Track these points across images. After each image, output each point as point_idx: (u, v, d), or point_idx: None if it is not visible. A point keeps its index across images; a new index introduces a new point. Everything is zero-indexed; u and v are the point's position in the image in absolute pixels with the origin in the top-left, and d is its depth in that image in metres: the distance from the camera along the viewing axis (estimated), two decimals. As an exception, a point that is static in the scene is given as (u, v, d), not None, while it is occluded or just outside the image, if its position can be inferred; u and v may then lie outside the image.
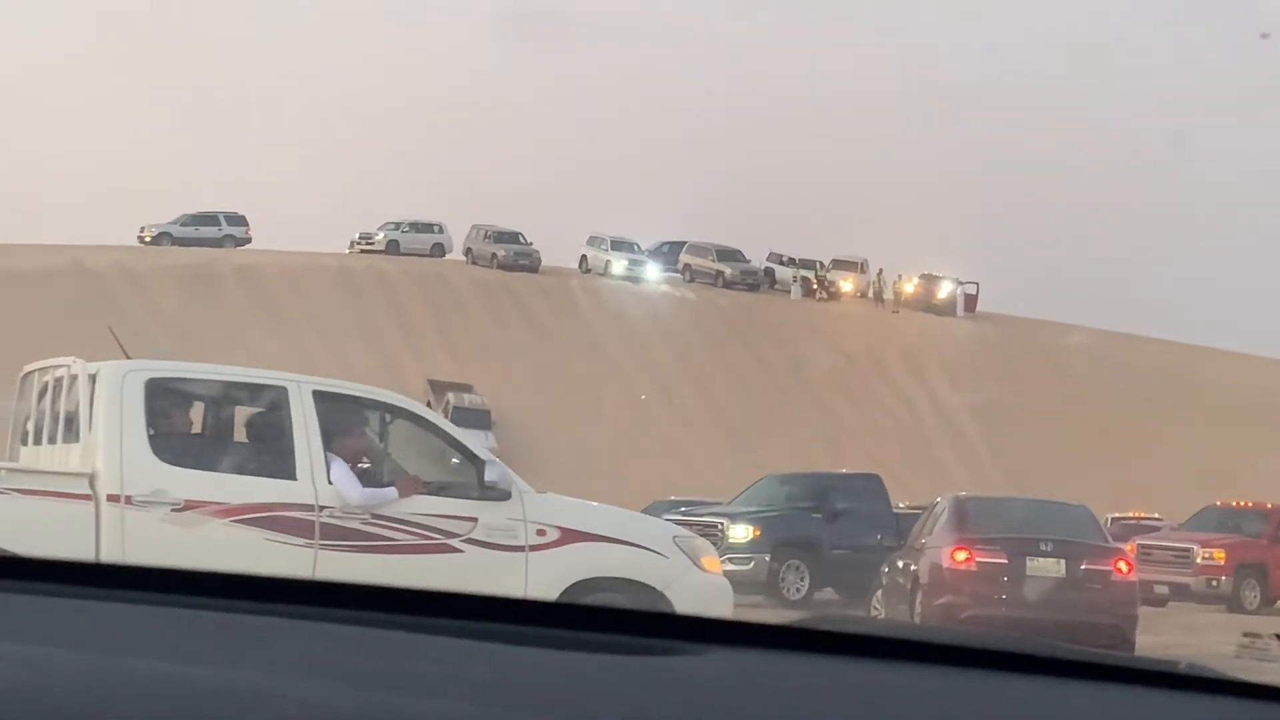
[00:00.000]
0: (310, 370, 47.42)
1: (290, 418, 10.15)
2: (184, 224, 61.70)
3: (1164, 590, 24.20)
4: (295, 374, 10.82)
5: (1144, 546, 24.88)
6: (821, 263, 65.67)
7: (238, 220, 62.17)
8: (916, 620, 15.39)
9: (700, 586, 10.50)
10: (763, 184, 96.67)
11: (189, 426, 10.68)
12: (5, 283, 50.13)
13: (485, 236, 62.27)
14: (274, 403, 10.35)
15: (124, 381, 9.92)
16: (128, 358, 10.55)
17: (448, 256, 62.58)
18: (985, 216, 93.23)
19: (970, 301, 65.58)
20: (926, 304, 64.65)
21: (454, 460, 10.60)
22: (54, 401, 10.49)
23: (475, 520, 10.11)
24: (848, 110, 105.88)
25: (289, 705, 1.21)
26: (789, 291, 64.32)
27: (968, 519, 17.63)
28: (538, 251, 62.42)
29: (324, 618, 1.65)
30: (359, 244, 63.83)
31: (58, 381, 10.44)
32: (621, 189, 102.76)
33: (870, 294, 65.10)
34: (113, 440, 9.75)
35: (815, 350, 58.57)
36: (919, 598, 16.07)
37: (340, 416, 10.50)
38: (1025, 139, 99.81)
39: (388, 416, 11.10)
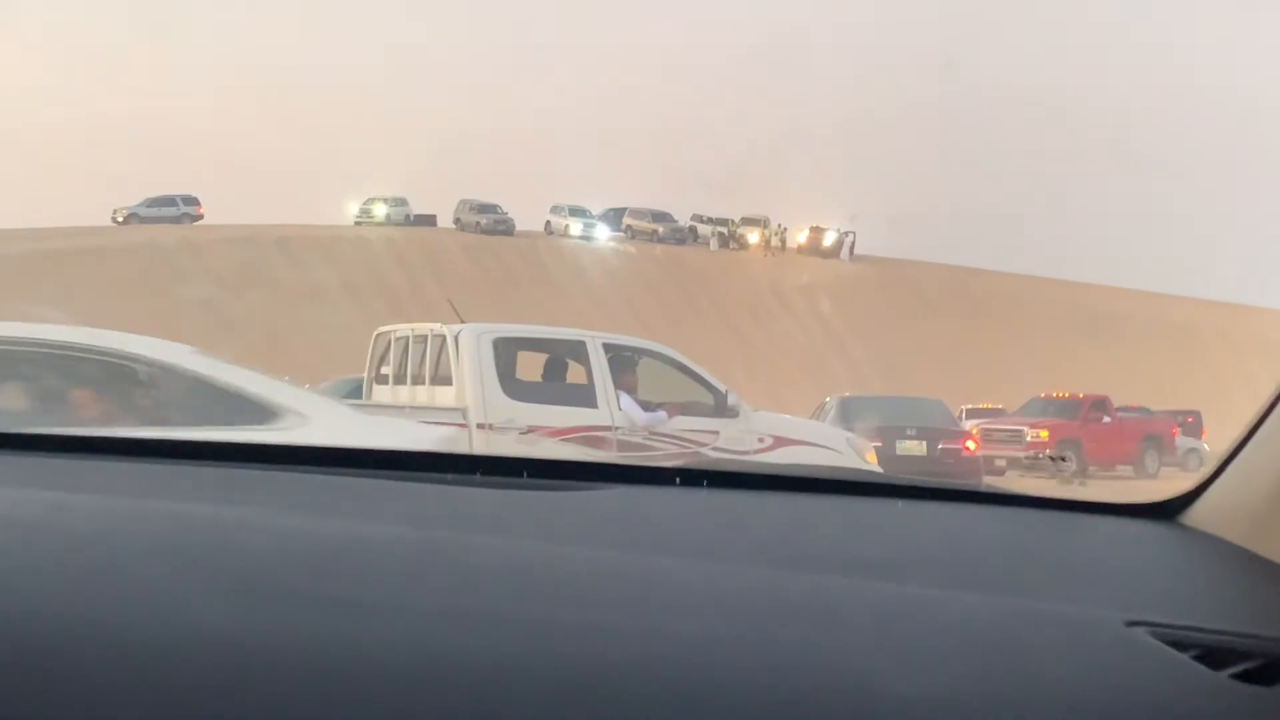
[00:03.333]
0: (351, 323, 46.48)
1: (590, 362, 11.14)
2: (148, 205, 59.01)
3: (1002, 463, 24.36)
4: (590, 331, 11.71)
5: (985, 429, 25.06)
6: (732, 220, 65.50)
7: (191, 201, 59.69)
8: None
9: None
10: (686, 156, 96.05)
11: (518, 371, 11.41)
12: (91, 258, 49.38)
13: (470, 208, 61.54)
14: (576, 352, 11.40)
15: (479, 340, 10.92)
16: (462, 322, 11.31)
17: (439, 225, 62.04)
18: (861, 174, 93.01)
19: (849, 248, 65.54)
20: (815, 250, 64.58)
21: (699, 389, 11.39)
22: (415, 355, 11.60)
23: (718, 433, 11.00)
24: (746, 85, 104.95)
25: (268, 535, 1.23)
26: (709, 244, 64.10)
27: (850, 414, 18.03)
28: (512, 219, 61.99)
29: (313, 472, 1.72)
30: (359, 218, 62.08)
31: (419, 339, 11.62)
32: (565, 165, 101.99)
33: (772, 244, 64.96)
34: (475, 383, 10.71)
35: (731, 290, 58.47)
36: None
37: (621, 361, 11.38)
38: (887, 106, 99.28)
39: (653, 360, 11.76)
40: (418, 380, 11.50)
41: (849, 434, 12.43)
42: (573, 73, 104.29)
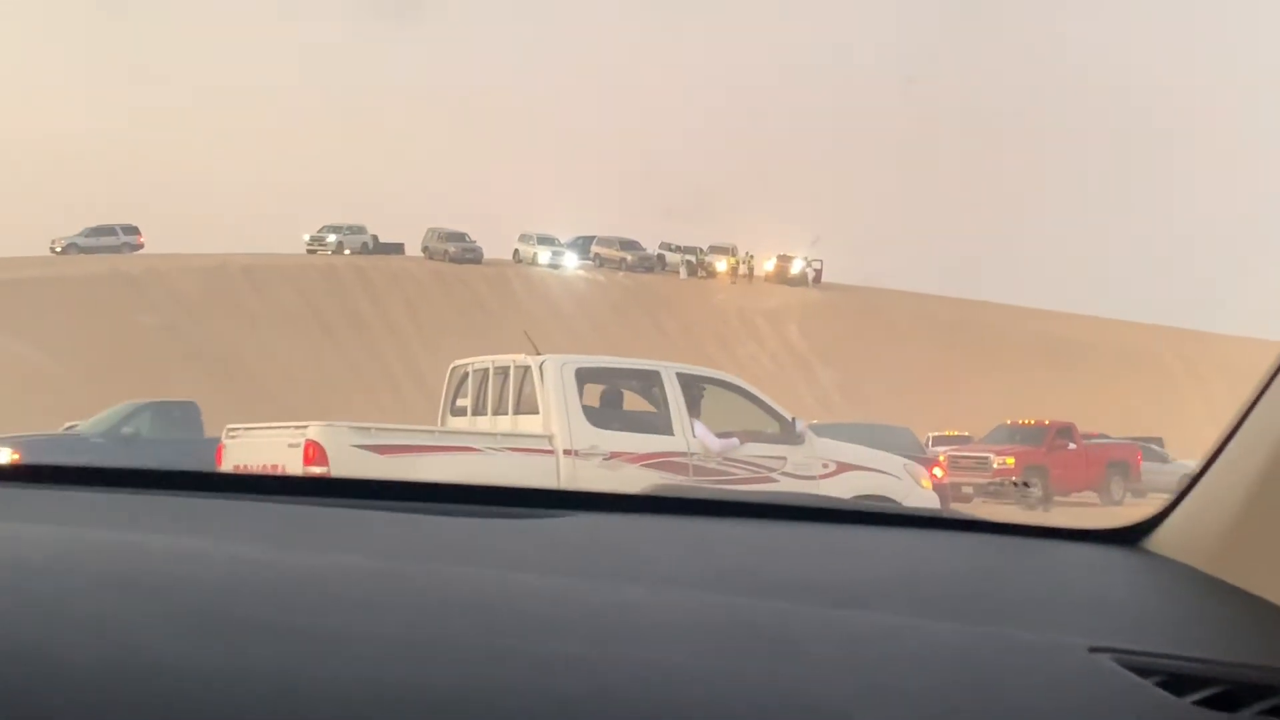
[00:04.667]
0: (319, 350, 46.34)
1: (665, 392, 11.49)
2: (87, 235, 57.77)
3: (969, 490, 24.43)
4: (662, 361, 12.16)
5: (953, 456, 25.12)
6: (700, 248, 65.78)
7: (131, 230, 58.61)
8: None
9: (922, 498, 11.59)
10: (654, 185, 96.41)
11: (599, 401, 11.78)
12: (55, 287, 49.09)
13: (438, 236, 61.55)
14: (652, 382, 11.74)
15: (561, 370, 11.27)
16: (538, 353, 11.62)
17: (408, 253, 61.95)
18: (827, 202, 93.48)
19: (816, 275, 65.87)
20: (782, 278, 64.90)
21: (766, 417, 11.71)
22: (495, 386, 11.95)
23: (785, 459, 11.35)
24: (714, 113, 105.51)
25: (225, 564, 1.20)
26: (678, 272, 64.30)
27: None
28: (480, 247, 62.02)
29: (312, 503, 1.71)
30: (310, 246, 61.29)
31: (499, 370, 11.95)
32: (534, 193, 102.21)
33: (740, 272, 65.23)
34: (561, 411, 11.07)
35: (699, 317, 58.63)
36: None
37: (694, 389, 11.76)
38: (853, 135, 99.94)
39: (722, 389, 12.16)
40: (499, 410, 11.85)
41: (906, 460, 12.72)
42: (542, 101, 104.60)
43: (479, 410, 12.08)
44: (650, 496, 1.88)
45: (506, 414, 11.69)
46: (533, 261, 62.07)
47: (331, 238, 61.61)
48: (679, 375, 11.68)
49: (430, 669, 0.98)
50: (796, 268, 65.29)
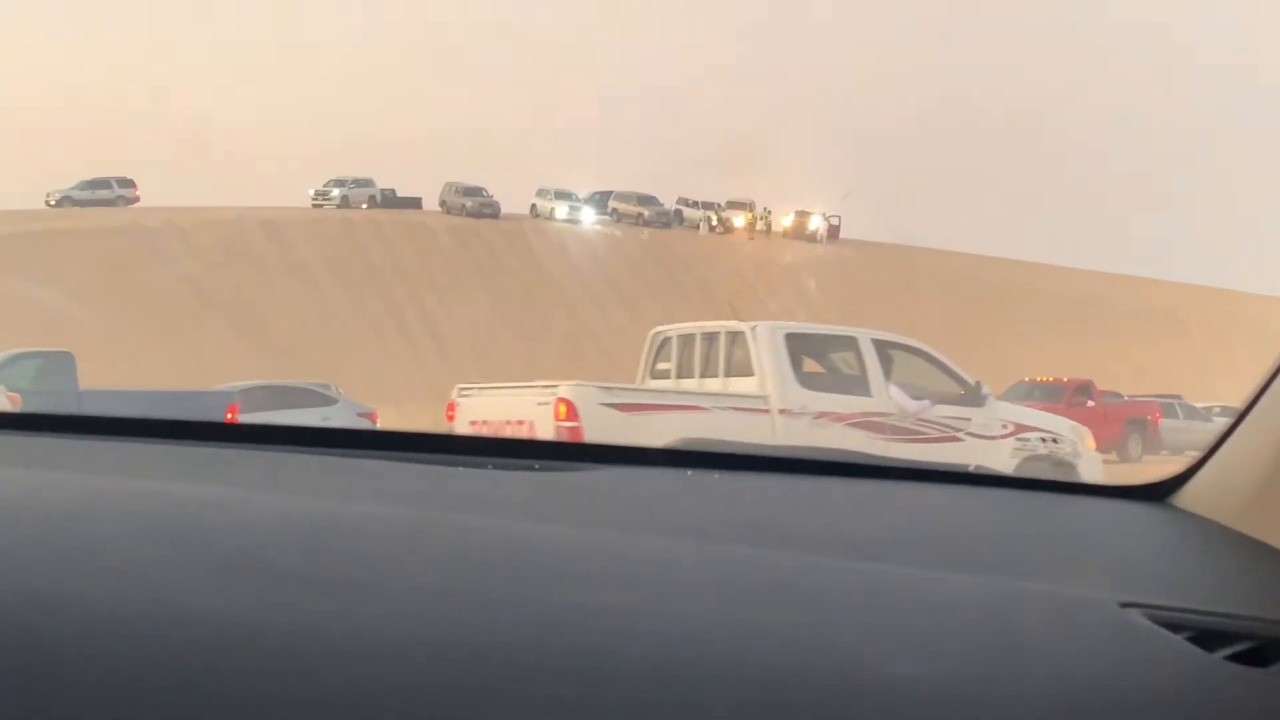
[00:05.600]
0: (334, 302, 46.47)
1: (862, 356, 12.10)
2: (82, 188, 56.93)
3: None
4: (859, 328, 12.76)
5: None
6: (718, 204, 65.59)
7: (126, 183, 57.69)
8: None
9: (1088, 459, 12.34)
10: (673, 140, 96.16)
11: (805, 364, 12.37)
12: (80, 240, 49.20)
13: (455, 191, 61.33)
14: (851, 346, 12.36)
15: (774, 335, 12.00)
16: (737, 318, 12.68)
17: (426, 208, 61.81)
18: (847, 157, 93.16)
19: (833, 230, 65.58)
20: (800, 234, 64.71)
21: (950, 380, 12.29)
22: (703, 350, 12.65)
23: (970, 419, 11.90)
24: (734, 67, 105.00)
25: (254, 513, 1.21)
26: (698, 229, 64.17)
27: None
28: (498, 202, 61.88)
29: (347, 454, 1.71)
30: (315, 200, 60.55)
31: (707, 335, 12.72)
32: (551, 148, 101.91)
33: (758, 228, 65.05)
34: (775, 374, 11.74)
35: (716, 272, 58.53)
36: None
37: (886, 354, 12.35)
38: (874, 89, 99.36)
39: (910, 354, 12.70)
40: (707, 373, 12.51)
41: (1073, 423, 13.18)
42: (559, 55, 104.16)
43: (684, 373, 12.77)
44: (675, 450, 1.89)
45: (716, 376, 12.39)
46: (550, 216, 61.90)
47: (335, 191, 61.00)
48: (874, 341, 12.33)
49: (457, 617, 0.99)
50: (814, 224, 65.07)
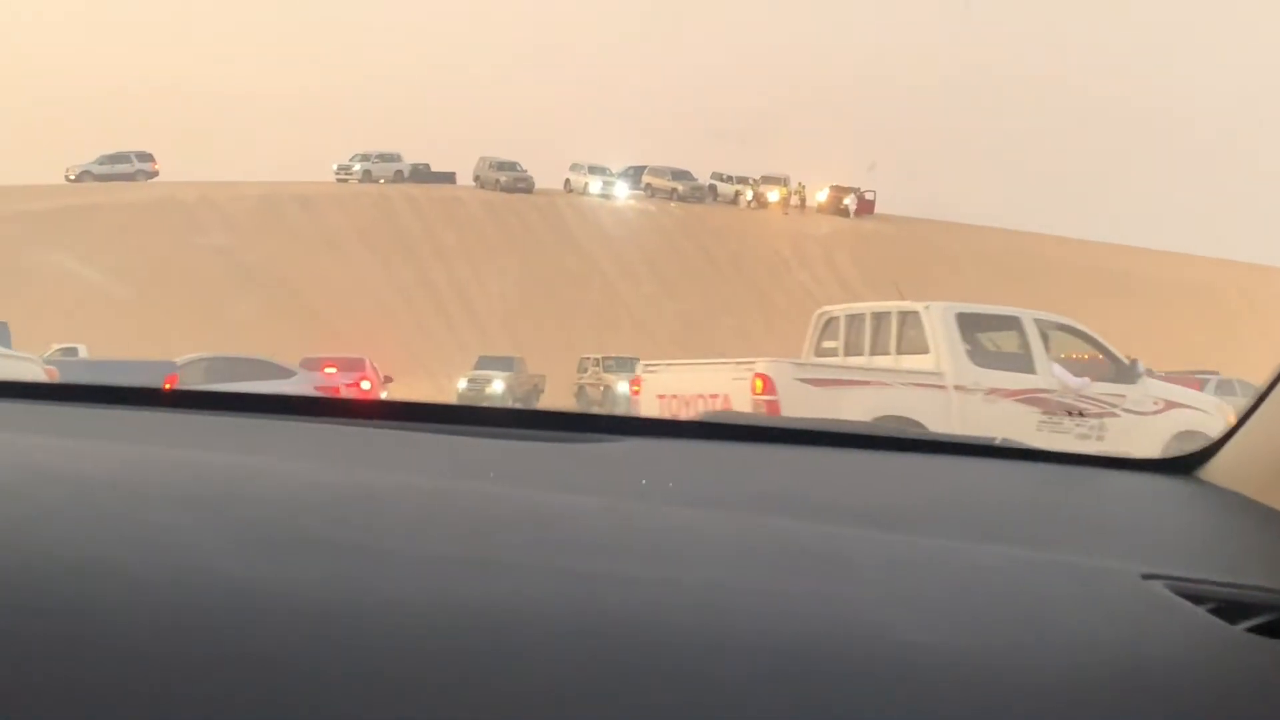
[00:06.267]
0: (367, 273, 46.48)
1: (1026, 335, 12.56)
2: (101, 163, 57.04)
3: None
4: (1021, 309, 13.14)
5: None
6: (752, 178, 65.41)
7: (145, 158, 57.81)
8: None
9: None
10: (707, 114, 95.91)
11: (974, 341, 12.84)
12: (113, 215, 49.49)
13: (490, 166, 61.36)
14: (1015, 326, 12.79)
15: (947, 314, 12.50)
16: (902, 299, 13.37)
17: (460, 182, 61.86)
18: (882, 132, 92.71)
19: (867, 205, 65.29)
20: (835, 209, 64.51)
21: (1105, 357, 12.74)
22: (873, 329, 13.22)
23: (1125, 395, 12.32)
24: (769, 42, 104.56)
25: (282, 482, 1.23)
26: (734, 201, 64.03)
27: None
28: (531, 176, 61.88)
29: (401, 427, 1.73)
30: (339, 175, 60.41)
31: (877, 315, 13.30)
32: (585, 123, 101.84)
33: (792, 203, 64.88)
34: (949, 351, 12.24)
35: (750, 246, 58.44)
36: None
37: (1046, 331, 12.85)
38: (908, 65, 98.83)
39: (1067, 333, 13.22)
40: (877, 351, 13.03)
41: (1217, 399, 13.86)
42: (595, 30, 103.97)
43: (852, 351, 13.24)
44: (700, 423, 1.89)
45: (888, 354, 12.90)
46: (584, 191, 61.87)
47: (358, 166, 60.85)
48: (1036, 320, 12.80)
49: (483, 584, 0.99)
50: (850, 199, 64.85)
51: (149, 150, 58.80)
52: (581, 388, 37.33)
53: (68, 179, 57.06)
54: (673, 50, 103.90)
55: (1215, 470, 1.69)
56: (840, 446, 1.85)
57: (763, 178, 65.51)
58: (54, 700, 0.82)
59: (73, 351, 21.93)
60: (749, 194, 64.38)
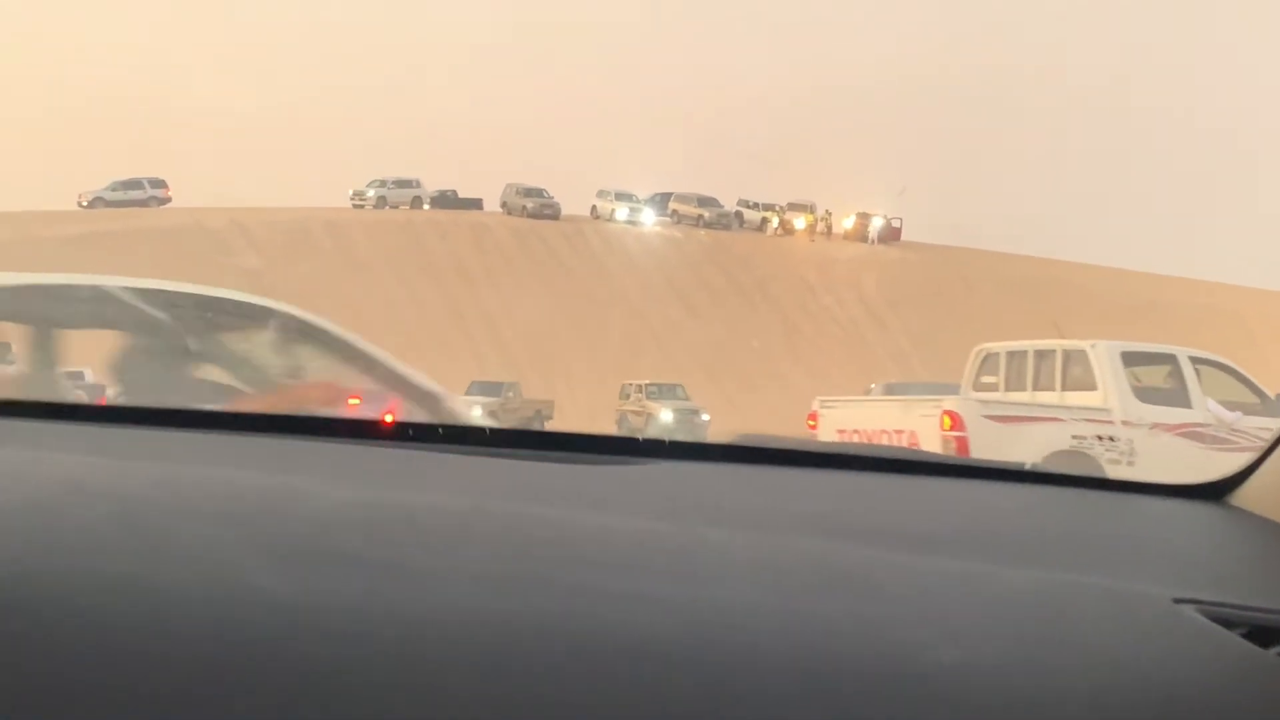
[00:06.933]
0: (392, 305, 46.49)
1: (1183, 371, 13.00)
2: (114, 189, 57.02)
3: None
4: (1176, 346, 13.64)
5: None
6: (779, 206, 65.46)
7: (158, 184, 57.83)
8: None
9: None
10: (730, 142, 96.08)
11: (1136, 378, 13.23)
12: (141, 241, 49.75)
13: (516, 192, 61.55)
14: (1172, 362, 13.18)
15: (1111, 353, 12.97)
16: (1061, 337, 14.04)
17: (486, 209, 62.04)
18: (909, 159, 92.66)
19: (893, 232, 65.25)
20: (861, 236, 64.53)
21: (1251, 393, 13.12)
22: (1037, 366, 13.69)
23: (1271, 429, 12.97)
24: (794, 69, 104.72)
25: (318, 502, 1.23)
26: (759, 228, 64.06)
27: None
28: (558, 203, 62.03)
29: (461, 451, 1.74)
30: (354, 201, 60.34)
31: (1041, 353, 13.79)
32: (616, 149, 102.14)
33: (818, 230, 64.89)
34: (1115, 389, 12.67)
35: (776, 273, 58.42)
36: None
37: (1198, 368, 13.20)
38: (935, 90, 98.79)
39: (1214, 368, 13.49)
40: (1040, 387, 13.50)
41: None
42: (621, 57, 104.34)
43: (1013, 387, 13.71)
44: (728, 446, 1.89)
45: (1052, 390, 13.31)
46: (610, 218, 61.99)
47: (371, 192, 60.78)
48: (1190, 357, 13.23)
49: (516, 604, 1.00)
50: (876, 225, 64.83)
51: (163, 177, 59.08)
52: (624, 414, 37.29)
53: (80, 205, 57.01)
54: (700, 76, 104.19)
55: (1247, 496, 1.68)
56: (870, 470, 1.85)
57: (789, 204, 65.56)
58: (98, 714, 0.83)
59: (79, 375, 22.05)
60: (775, 220, 64.42)
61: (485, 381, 38.06)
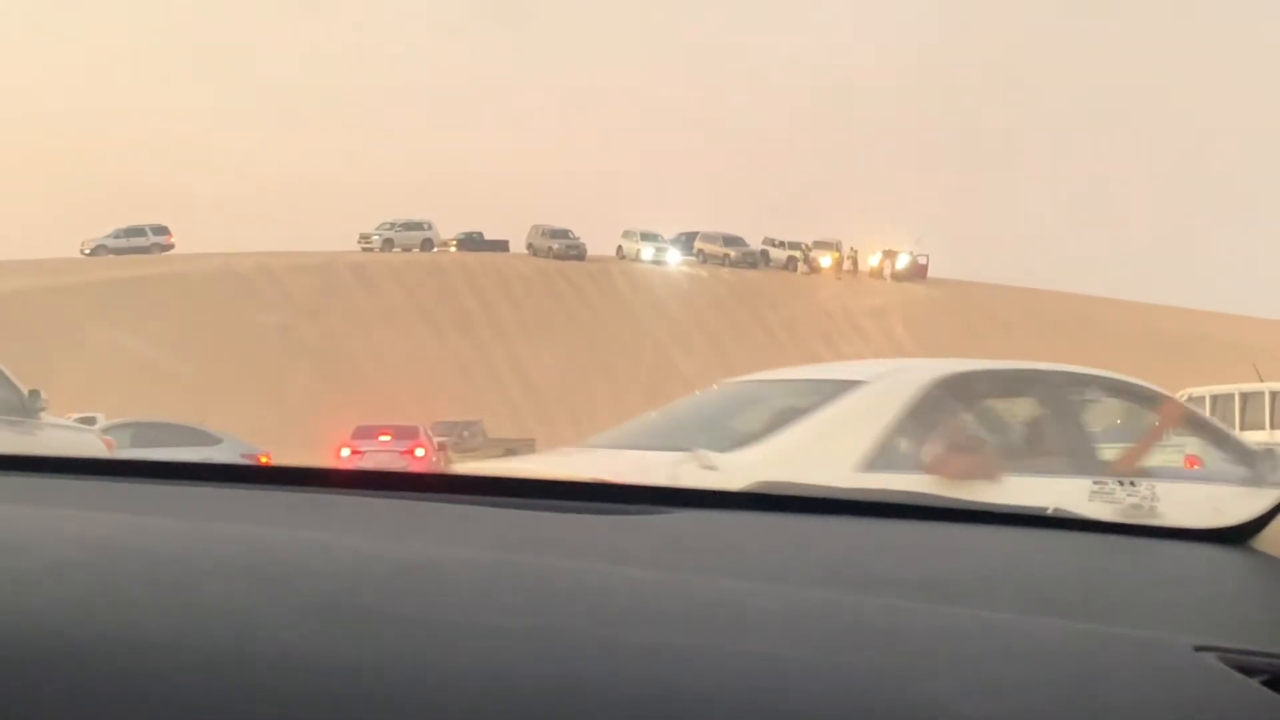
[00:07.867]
0: (420, 348, 46.34)
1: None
2: (117, 236, 57.46)
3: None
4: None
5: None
6: (805, 244, 65.49)
7: (161, 230, 58.31)
8: None
9: None
10: (758, 182, 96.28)
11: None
12: (174, 286, 50.05)
13: (542, 234, 61.85)
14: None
15: None
16: (1261, 379, 14.97)
17: (513, 250, 62.25)
18: (933, 197, 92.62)
19: (919, 269, 65.20)
20: (889, 273, 64.54)
21: None
22: (1239, 406, 14.39)
23: None
24: (818, 111, 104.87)
25: (343, 556, 1.24)
26: (785, 267, 64.07)
27: None
28: (584, 244, 62.20)
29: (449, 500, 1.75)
30: (362, 244, 60.51)
31: (1247, 395, 14.55)
32: (637, 190, 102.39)
33: (845, 267, 64.90)
34: None
35: (803, 312, 58.37)
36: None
37: None
38: (957, 129, 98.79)
39: None
40: (1248, 426, 13.96)
41: None
42: (645, 97, 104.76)
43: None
44: (752, 494, 1.90)
45: (1262, 429, 13.84)
46: (636, 258, 62.12)
47: (377, 235, 60.88)
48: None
49: (541, 657, 1.00)
50: (902, 262, 64.79)
51: (174, 222, 59.39)
52: None
53: (83, 253, 57.22)
54: (724, 116, 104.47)
55: (1270, 540, 1.68)
56: (891, 517, 1.85)
57: (815, 243, 65.60)
58: None
59: (91, 420, 22.03)
60: (801, 259, 64.47)
61: (448, 422, 37.50)
